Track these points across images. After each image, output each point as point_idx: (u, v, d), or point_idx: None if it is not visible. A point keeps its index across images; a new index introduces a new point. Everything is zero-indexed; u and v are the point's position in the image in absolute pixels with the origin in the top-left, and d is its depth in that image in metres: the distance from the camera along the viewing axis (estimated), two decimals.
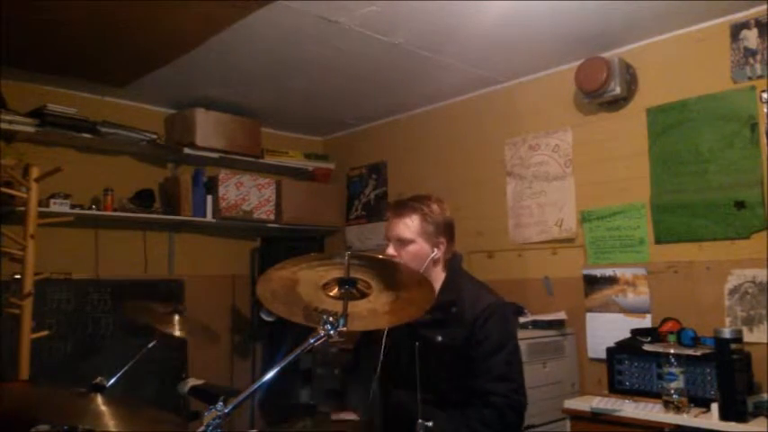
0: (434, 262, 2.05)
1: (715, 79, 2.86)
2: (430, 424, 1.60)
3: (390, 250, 2.04)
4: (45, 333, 2.96)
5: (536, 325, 3.12)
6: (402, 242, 2.02)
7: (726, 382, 2.32)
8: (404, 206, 2.07)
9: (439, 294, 2.03)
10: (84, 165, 3.68)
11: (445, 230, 2.06)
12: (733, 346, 2.33)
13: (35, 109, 3.39)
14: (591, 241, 3.28)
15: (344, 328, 1.45)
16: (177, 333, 2.15)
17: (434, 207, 2.05)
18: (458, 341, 1.95)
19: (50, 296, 3.46)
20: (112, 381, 1.89)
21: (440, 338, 1.96)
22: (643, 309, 3.04)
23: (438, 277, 2.08)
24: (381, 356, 1.97)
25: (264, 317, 3.56)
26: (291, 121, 4.53)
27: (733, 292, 2.76)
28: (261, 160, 4.31)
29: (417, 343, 1.73)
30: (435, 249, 2.04)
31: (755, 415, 2.32)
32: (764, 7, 2.70)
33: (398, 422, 1.82)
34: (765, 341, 2.62)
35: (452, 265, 2.12)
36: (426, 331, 1.95)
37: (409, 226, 2.02)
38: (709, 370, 2.49)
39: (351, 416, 2.12)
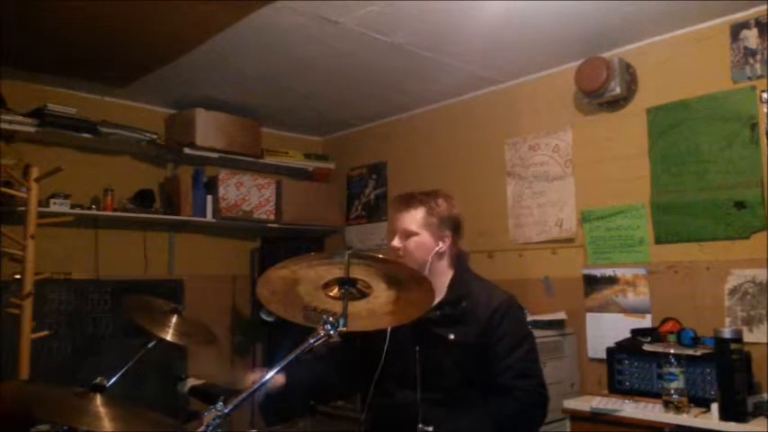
0: (439, 256, 2.05)
1: (715, 79, 2.86)
2: (430, 429, 1.59)
3: (396, 242, 2.04)
4: (45, 333, 2.96)
5: (536, 325, 3.12)
6: (407, 234, 2.02)
7: (726, 382, 2.32)
8: (410, 198, 2.08)
9: (448, 290, 2.03)
10: (84, 165, 3.69)
11: (451, 225, 2.07)
12: (733, 346, 2.33)
13: (35, 109, 3.39)
14: (591, 241, 3.27)
15: (344, 328, 1.45)
16: (170, 338, 2.14)
17: (441, 201, 2.06)
18: (470, 338, 1.94)
19: (50, 296, 3.46)
20: (112, 381, 1.89)
21: (452, 336, 1.94)
22: (643, 309, 3.04)
23: (445, 273, 2.07)
24: (384, 353, 1.96)
25: (264, 317, 3.56)
26: (291, 121, 4.53)
27: (733, 292, 2.76)
28: (261, 160, 4.31)
29: (417, 347, 1.73)
30: (440, 243, 2.04)
31: (755, 415, 2.32)
32: (764, 7, 2.70)
33: (404, 423, 1.81)
34: (765, 341, 2.62)
35: (460, 261, 2.12)
36: (437, 328, 1.94)
37: (415, 218, 2.03)
38: (709, 370, 2.49)
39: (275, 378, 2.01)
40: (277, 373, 1.53)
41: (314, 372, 2.18)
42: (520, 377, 1.91)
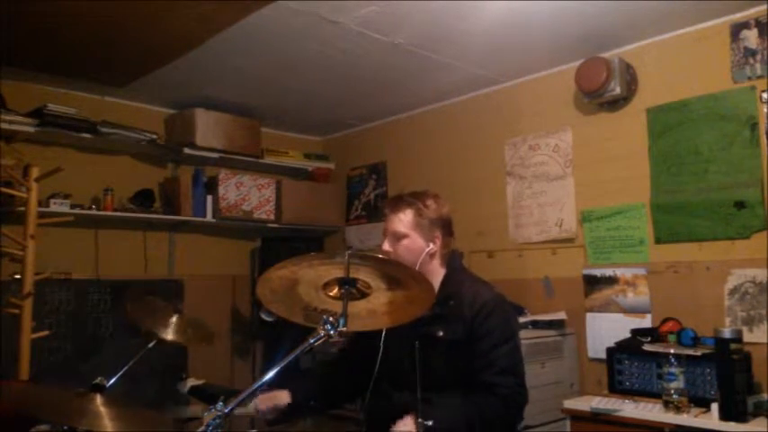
0: (430, 257, 2.06)
1: (715, 79, 2.86)
2: (430, 423, 1.59)
3: (386, 245, 2.06)
4: (45, 333, 2.96)
5: (536, 325, 3.12)
6: (397, 236, 2.03)
7: (726, 382, 2.32)
8: (399, 201, 2.08)
9: (439, 290, 2.04)
10: (84, 165, 3.69)
11: (441, 225, 2.07)
12: (733, 346, 2.33)
13: (35, 109, 3.39)
14: (591, 241, 3.28)
15: (344, 328, 1.45)
16: (171, 337, 2.15)
17: (429, 202, 2.06)
18: (458, 336, 1.95)
19: (50, 296, 3.45)
20: (112, 381, 1.89)
21: (441, 333, 1.96)
22: (643, 309, 3.04)
23: (437, 273, 2.08)
24: (380, 353, 1.97)
25: (264, 317, 3.56)
26: (291, 121, 4.53)
27: (733, 292, 2.76)
28: (261, 160, 4.31)
29: (417, 342, 1.73)
30: (431, 244, 2.05)
31: (755, 415, 2.33)
32: (764, 7, 2.70)
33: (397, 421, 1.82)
34: (765, 341, 2.62)
35: (452, 261, 2.13)
36: (426, 327, 1.95)
37: (403, 220, 2.03)
38: (709, 370, 2.49)
39: (280, 397, 2.03)
40: (276, 373, 1.52)
41: (321, 381, 2.20)
42: (501, 374, 1.91)
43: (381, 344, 1.96)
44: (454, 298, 2.00)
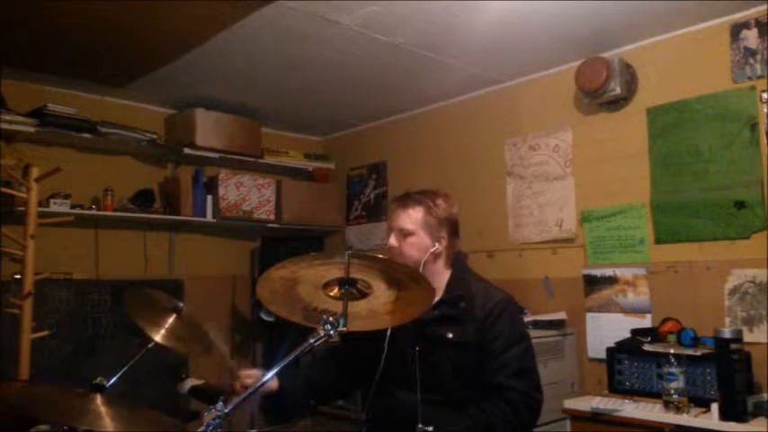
0: (435, 256, 2.04)
1: (715, 79, 2.86)
2: (430, 429, 1.59)
3: (392, 241, 2.05)
4: (45, 333, 2.96)
5: (536, 325, 3.12)
6: (403, 233, 2.02)
7: (726, 382, 2.32)
8: (409, 198, 2.07)
9: (446, 290, 2.04)
10: (84, 165, 3.68)
11: (448, 226, 2.07)
12: (733, 346, 2.33)
13: (35, 109, 3.39)
14: (591, 241, 3.28)
15: (344, 328, 1.45)
16: (168, 343, 2.15)
17: (439, 201, 2.06)
18: (468, 338, 1.93)
19: (50, 296, 3.45)
20: (112, 381, 1.89)
21: (450, 335, 1.94)
22: (643, 309, 3.04)
23: (441, 273, 2.07)
24: (385, 353, 1.96)
25: (264, 317, 3.56)
26: (291, 121, 4.53)
27: (733, 292, 2.76)
28: (261, 160, 4.31)
29: (417, 348, 1.72)
30: (436, 243, 2.03)
31: (755, 415, 2.33)
32: (764, 7, 2.70)
33: (404, 424, 1.81)
34: (765, 341, 2.62)
35: (458, 262, 2.13)
36: (435, 328, 1.94)
37: (411, 217, 2.02)
38: (709, 370, 2.49)
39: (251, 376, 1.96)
40: (275, 374, 1.53)
41: (310, 374, 2.19)
42: (515, 376, 1.90)
43: (386, 343, 1.95)
44: (464, 299, 1.99)
